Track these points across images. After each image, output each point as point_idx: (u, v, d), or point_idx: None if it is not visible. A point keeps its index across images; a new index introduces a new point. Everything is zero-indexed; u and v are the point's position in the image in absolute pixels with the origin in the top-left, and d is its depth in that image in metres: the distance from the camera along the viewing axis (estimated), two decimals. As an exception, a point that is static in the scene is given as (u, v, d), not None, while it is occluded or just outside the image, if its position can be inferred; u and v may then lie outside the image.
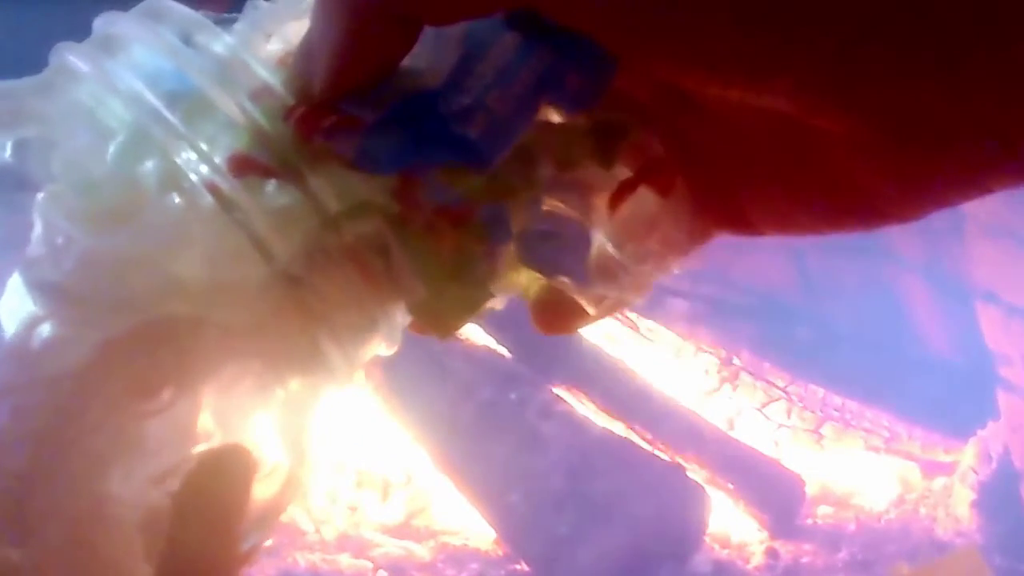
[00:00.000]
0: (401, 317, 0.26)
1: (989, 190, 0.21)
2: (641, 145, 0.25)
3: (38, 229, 0.23)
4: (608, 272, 0.25)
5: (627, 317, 1.44)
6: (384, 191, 0.23)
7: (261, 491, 0.26)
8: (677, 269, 0.26)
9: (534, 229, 0.24)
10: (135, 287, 0.23)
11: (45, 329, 0.24)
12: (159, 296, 0.23)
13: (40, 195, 0.23)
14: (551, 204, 0.24)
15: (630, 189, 0.25)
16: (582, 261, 0.24)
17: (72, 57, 0.23)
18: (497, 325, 1.27)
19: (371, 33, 0.21)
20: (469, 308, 0.25)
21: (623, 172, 0.25)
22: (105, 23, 0.23)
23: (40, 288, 0.23)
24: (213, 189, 0.22)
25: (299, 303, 0.23)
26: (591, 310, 0.26)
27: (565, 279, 0.25)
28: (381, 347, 0.26)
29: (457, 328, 0.26)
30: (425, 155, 0.22)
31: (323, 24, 0.21)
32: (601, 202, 0.25)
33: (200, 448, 0.25)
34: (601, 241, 0.25)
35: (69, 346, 0.24)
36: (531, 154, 0.24)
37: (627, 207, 0.25)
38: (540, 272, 0.24)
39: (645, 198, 0.25)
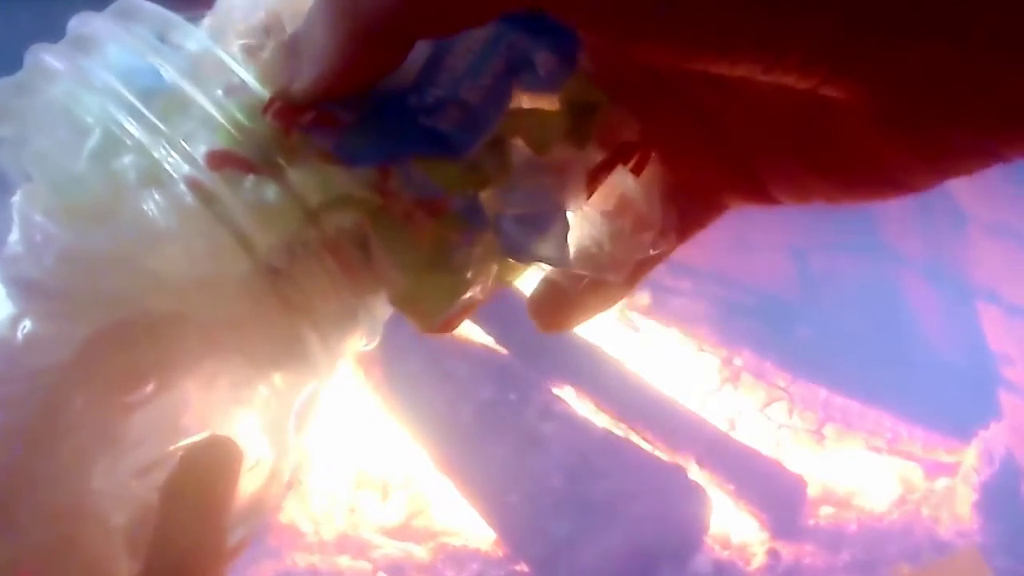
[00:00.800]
0: (382, 310, 0.26)
1: (1003, 158, 0.21)
2: (615, 124, 0.25)
3: (16, 227, 0.24)
4: (585, 252, 0.25)
5: (627, 317, 1.44)
6: (362, 183, 0.23)
7: (246, 485, 0.26)
8: (656, 249, 0.26)
9: (511, 214, 0.24)
10: (115, 283, 0.23)
11: (27, 325, 0.24)
12: (139, 291, 0.23)
13: (17, 193, 0.24)
14: (527, 188, 0.24)
15: (606, 169, 0.25)
16: (559, 244, 0.24)
17: (47, 56, 0.23)
18: (497, 325, 1.27)
19: (372, 46, 0.21)
20: (449, 297, 0.25)
21: (598, 153, 0.25)
22: (79, 23, 0.23)
23: (19, 285, 0.23)
24: (192, 184, 0.22)
25: (280, 296, 0.23)
26: (571, 291, 0.26)
27: (543, 263, 0.25)
28: (362, 340, 0.26)
29: (438, 318, 0.26)
30: (402, 148, 0.22)
31: (323, 30, 0.21)
32: (577, 183, 0.25)
33: (185, 442, 0.25)
34: (577, 222, 0.25)
35: (51, 342, 0.24)
36: (506, 140, 0.24)
37: (602, 187, 0.25)
38: (518, 258, 0.25)
39: (619, 177, 0.25)
